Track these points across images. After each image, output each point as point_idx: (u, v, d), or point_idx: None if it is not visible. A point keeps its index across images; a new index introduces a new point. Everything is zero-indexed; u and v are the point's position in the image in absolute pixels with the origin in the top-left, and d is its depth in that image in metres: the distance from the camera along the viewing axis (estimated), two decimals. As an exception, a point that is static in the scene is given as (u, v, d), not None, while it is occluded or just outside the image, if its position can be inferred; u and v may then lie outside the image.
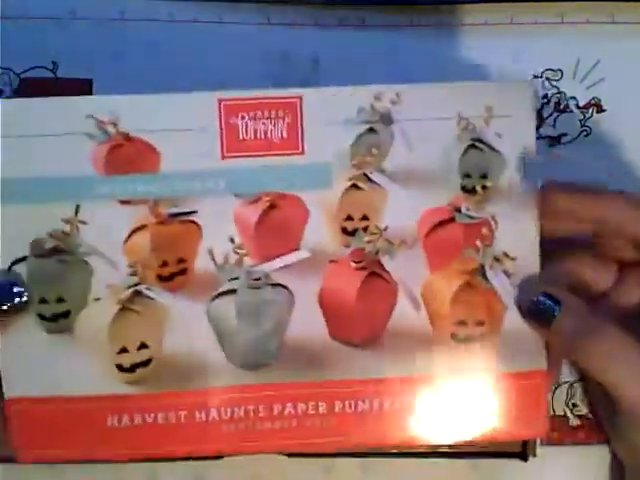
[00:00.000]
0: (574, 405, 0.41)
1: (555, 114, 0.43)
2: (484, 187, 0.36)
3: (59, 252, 0.35)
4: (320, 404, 0.36)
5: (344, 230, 0.36)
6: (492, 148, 0.36)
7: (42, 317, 0.35)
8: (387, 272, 0.36)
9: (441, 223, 0.36)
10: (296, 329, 0.36)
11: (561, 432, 0.41)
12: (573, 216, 0.36)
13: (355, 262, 0.36)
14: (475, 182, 0.36)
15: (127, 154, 0.35)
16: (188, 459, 0.39)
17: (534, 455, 0.38)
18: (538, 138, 0.36)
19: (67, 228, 0.35)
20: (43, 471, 0.40)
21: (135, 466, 0.41)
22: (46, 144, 0.34)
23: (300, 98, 0.35)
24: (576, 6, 0.43)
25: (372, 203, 0.36)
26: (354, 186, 0.36)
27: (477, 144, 0.36)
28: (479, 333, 0.36)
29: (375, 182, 0.36)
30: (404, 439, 0.36)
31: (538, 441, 0.39)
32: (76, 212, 0.35)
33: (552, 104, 0.43)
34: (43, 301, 0.35)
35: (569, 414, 0.41)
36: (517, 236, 0.35)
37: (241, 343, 0.35)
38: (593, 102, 0.43)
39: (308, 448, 0.36)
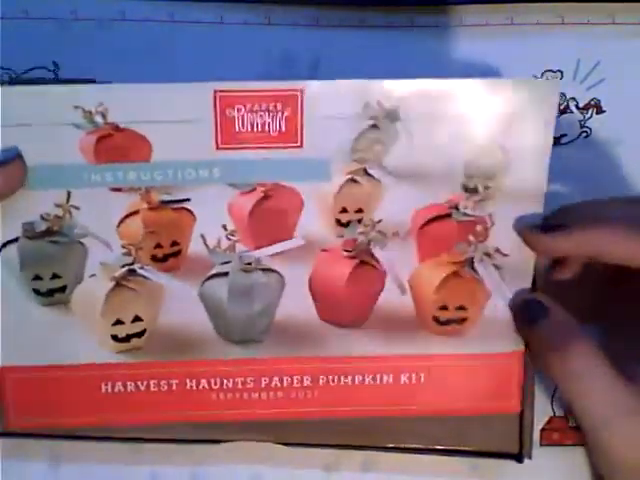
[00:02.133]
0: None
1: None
2: (486, 187, 0.35)
3: (52, 234, 0.35)
4: (305, 378, 0.37)
5: (338, 221, 0.36)
6: (501, 148, 0.35)
7: (37, 292, 0.35)
8: (377, 261, 0.36)
9: (436, 218, 0.36)
10: (286, 311, 0.36)
11: (561, 432, 0.41)
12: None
13: (346, 251, 0.36)
14: (478, 182, 0.35)
15: (117, 144, 0.34)
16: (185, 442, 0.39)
17: (529, 457, 0.38)
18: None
19: (60, 212, 0.34)
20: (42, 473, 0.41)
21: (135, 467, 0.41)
22: (32, 134, 0.33)
23: (301, 91, 0.34)
24: (576, 7, 0.43)
25: (368, 197, 0.36)
26: (352, 180, 0.35)
27: (486, 144, 0.35)
28: (460, 317, 0.36)
29: (373, 177, 0.35)
30: (383, 410, 0.37)
31: (534, 442, 0.39)
32: (67, 199, 0.34)
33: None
34: (37, 277, 0.35)
35: (569, 415, 0.41)
36: (514, 235, 0.35)
37: (232, 322, 0.36)
38: (593, 103, 0.43)
39: (292, 416, 0.37)
